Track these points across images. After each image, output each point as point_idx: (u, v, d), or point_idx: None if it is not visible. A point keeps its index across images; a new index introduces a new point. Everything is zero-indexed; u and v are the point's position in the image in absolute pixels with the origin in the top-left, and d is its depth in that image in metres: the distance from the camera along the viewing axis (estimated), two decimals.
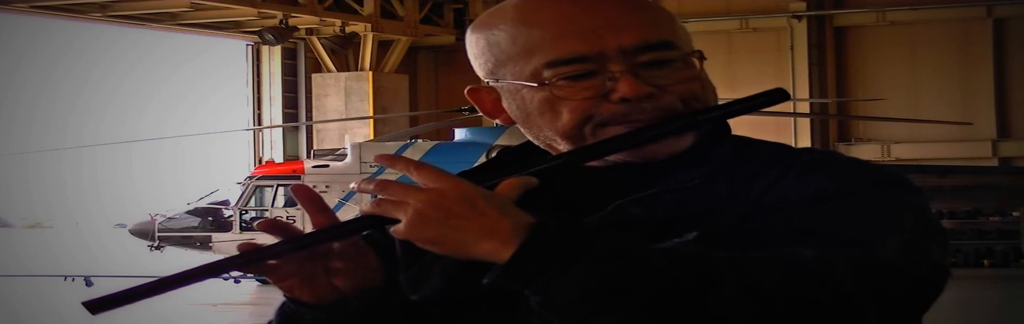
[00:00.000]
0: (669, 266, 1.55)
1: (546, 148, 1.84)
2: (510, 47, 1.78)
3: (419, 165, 1.63)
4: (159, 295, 1.65)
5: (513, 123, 1.84)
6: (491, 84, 1.83)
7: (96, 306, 1.63)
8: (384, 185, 1.63)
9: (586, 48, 1.75)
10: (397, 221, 1.61)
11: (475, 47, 1.83)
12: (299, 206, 24.41)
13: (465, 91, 1.88)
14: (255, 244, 1.68)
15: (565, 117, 1.77)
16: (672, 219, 1.72)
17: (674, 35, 1.80)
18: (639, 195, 1.75)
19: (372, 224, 1.64)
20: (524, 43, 1.77)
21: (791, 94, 1.81)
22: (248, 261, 1.68)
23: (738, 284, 1.55)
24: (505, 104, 1.83)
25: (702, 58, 1.81)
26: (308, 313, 1.77)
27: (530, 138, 1.85)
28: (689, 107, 1.77)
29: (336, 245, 1.74)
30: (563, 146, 1.80)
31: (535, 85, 1.77)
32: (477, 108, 1.87)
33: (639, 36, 1.76)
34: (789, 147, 1.83)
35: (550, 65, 1.76)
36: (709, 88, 1.82)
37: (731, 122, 1.84)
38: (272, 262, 1.72)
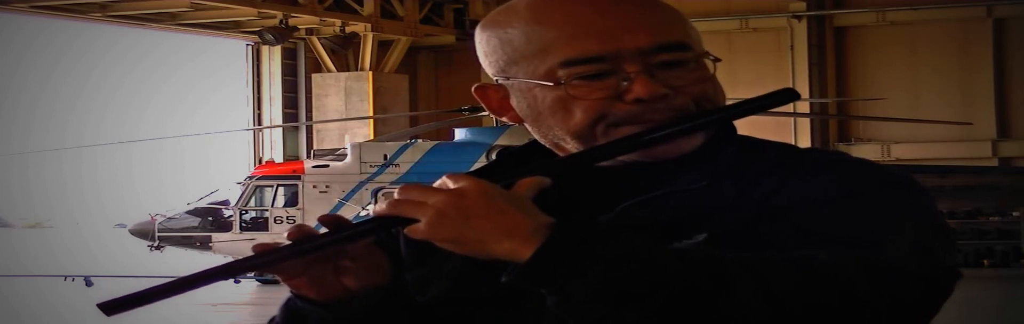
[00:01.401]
0: (684, 268, 1.56)
1: (552, 147, 1.84)
2: (524, 46, 1.78)
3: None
4: (174, 296, 1.64)
5: (520, 121, 1.84)
6: (501, 82, 1.83)
7: (111, 307, 1.63)
8: (405, 187, 1.63)
9: (602, 48, 1.75)
10: (412, 221, 1.61)
11: (486, 45, 1.83)
12: (299, 206, 24.48)
13: (472, 88, 1.87)
14: (270, 245, 1.68)
15: (578, 116, 1.77)
16: (678, 221, 1.72)
17: (688, 36, 1.81)
18: (645, 197, 1.75)
19: (388, 225, 1.64)
20: (539, 42, 1.77)
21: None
22: (264, 262, 1.68)
23: (752, 286, 1.56)
24: (514, 102, 1.83)
25: (716, 60, 1.81)
26: (314, 311, 1.77)
27: (537, 137, 1.85)
28: (701, 108, 1.78)
29: (347, 246, 1.74)
30: (572, 145, 1.80)
31: (549, 84, 1.77)
32: (483, 105, 1.87)
33: (655, 37, 1.76)
34: (795, 147, 1.83)
35: (565, 64, 1.76)
36: (719, 89, 1.82)
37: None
38: None
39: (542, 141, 1.84)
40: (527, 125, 1.84)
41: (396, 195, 1.63)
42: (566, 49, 1.76)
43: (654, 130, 1.74)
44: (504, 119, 1.86)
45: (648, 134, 1.73)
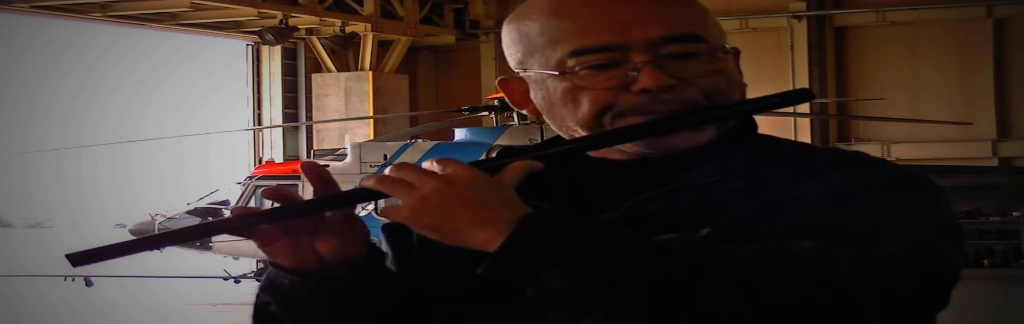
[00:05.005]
0: (659, 260, 1.56)
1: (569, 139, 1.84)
2: (539, 37, 1.80)
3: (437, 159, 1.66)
4: (143, 252, 1.67)
5: (538, 115, 1.85)
6: (520, 74, 1.85)
7: (79, 259, 1.67)
8: (399, 165, 1.65)
9: (611, 38, 1.76)
10: (394, 199, 1.63)
11: (507, 38, 1.86)
12: None
13: (496, 81, 1.89)
14: (248, 208, 1.70)
15: (585, 106, 1.77)
16: (689, 216, 1.72)
17: (704, 29, 1.80)
18: (656, 191, 1.75)
19: (371, 198, 1.66)
20: (552, 33, 1.79)
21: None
22: (239, 225, 1.69)
23: (729, 278, 1.56)
24: (532, 94, 1.85)
25: (736, 53, 1.82)
26: (288, 277, 1.78)
27: (555, 129, 1.85)
28: (712, 101, 1.77)
29: (327, 213, 1.75)
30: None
31: (558, 74, 1.78)
32: (506, 98, 1.88)
33: (666, 28, 1.77)
34: (811, 146, 1.82)
35: (574, 54, 1.77)
36: (736, 84, 1.81)
37: None
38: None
39: (560, 133, 1.85)
40: (545, 118, 1.84)
41: (388, 172, 1.65)
42: (576, 39, 1.77)
43: (658, 122, 1.74)
44: (524, 112, 1.87)
45: (651, 125, 1.74)
